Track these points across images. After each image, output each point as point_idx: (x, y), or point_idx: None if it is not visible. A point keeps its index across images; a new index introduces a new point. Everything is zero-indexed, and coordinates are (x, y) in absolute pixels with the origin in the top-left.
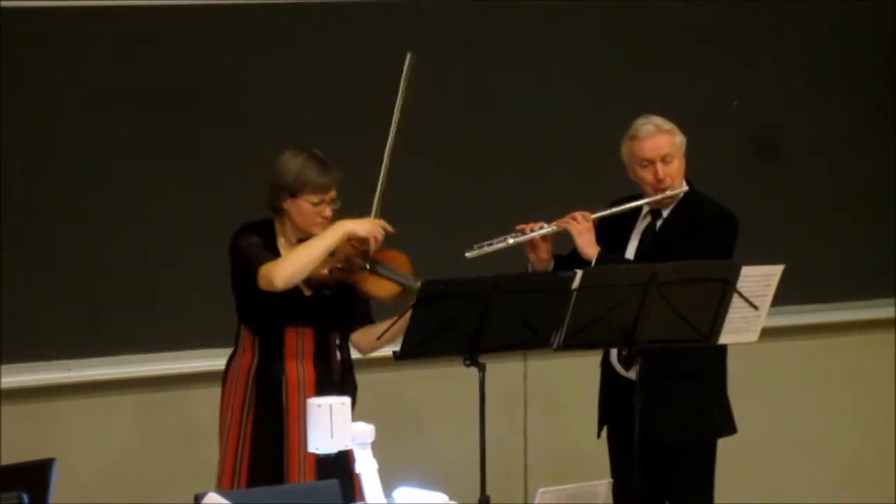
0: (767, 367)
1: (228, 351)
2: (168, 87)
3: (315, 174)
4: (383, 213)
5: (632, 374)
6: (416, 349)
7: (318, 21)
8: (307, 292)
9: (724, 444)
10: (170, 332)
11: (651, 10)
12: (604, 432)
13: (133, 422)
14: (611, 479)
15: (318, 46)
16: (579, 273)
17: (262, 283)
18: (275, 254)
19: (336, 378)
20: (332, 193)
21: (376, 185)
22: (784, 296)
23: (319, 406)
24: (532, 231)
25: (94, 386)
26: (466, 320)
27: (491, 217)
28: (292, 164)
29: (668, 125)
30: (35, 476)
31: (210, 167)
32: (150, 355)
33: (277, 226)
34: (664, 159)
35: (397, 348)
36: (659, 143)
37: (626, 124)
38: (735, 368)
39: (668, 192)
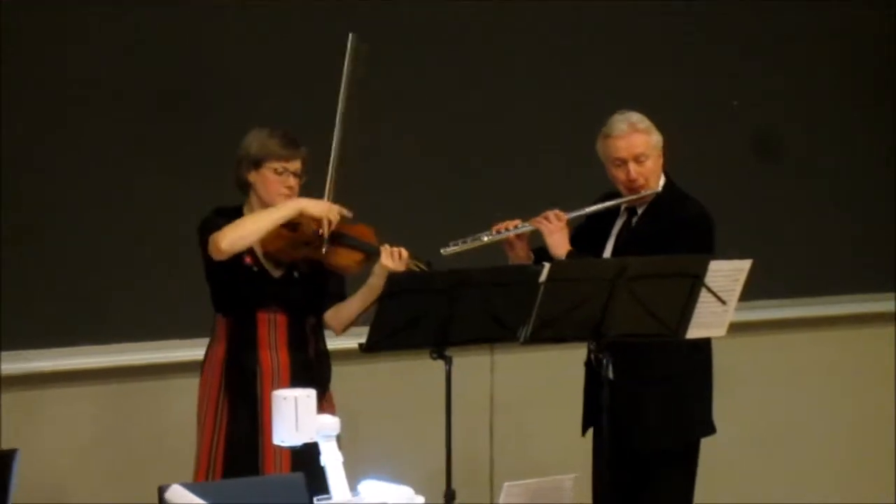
0: (766, 360)
1: (202, 341)
2: (163, 87)
3: (278, 144)
4: (340, 197)
5: (609, 374)
6: (382, 341)
7: (318, 20)
8: (276, 273)
9: (718, 441)
10: (144, 322)
11: (650, 9)
12: (589, 432)
13: (105, 413)
14: (576, 475)
15: (318, 46)
16: (547, 266)
17: (211, 251)
18: None
19: (312, 366)
20: (297, 164)
21: (328, 171)
22: (784, 289)
23: (285, 398)
24: (507, 230)
25: (64, 375)
26: (434, 313)
27: (469, 214)
28: (257, 136)
29: (643, 123)
30: None
31: (199, 164)
32: (121, 345)
33: (246, 208)
34: (637, 159)
35: (363, 340)
36: (632, 143)
37: None
38: (732, 362)
39: (642, 193)
